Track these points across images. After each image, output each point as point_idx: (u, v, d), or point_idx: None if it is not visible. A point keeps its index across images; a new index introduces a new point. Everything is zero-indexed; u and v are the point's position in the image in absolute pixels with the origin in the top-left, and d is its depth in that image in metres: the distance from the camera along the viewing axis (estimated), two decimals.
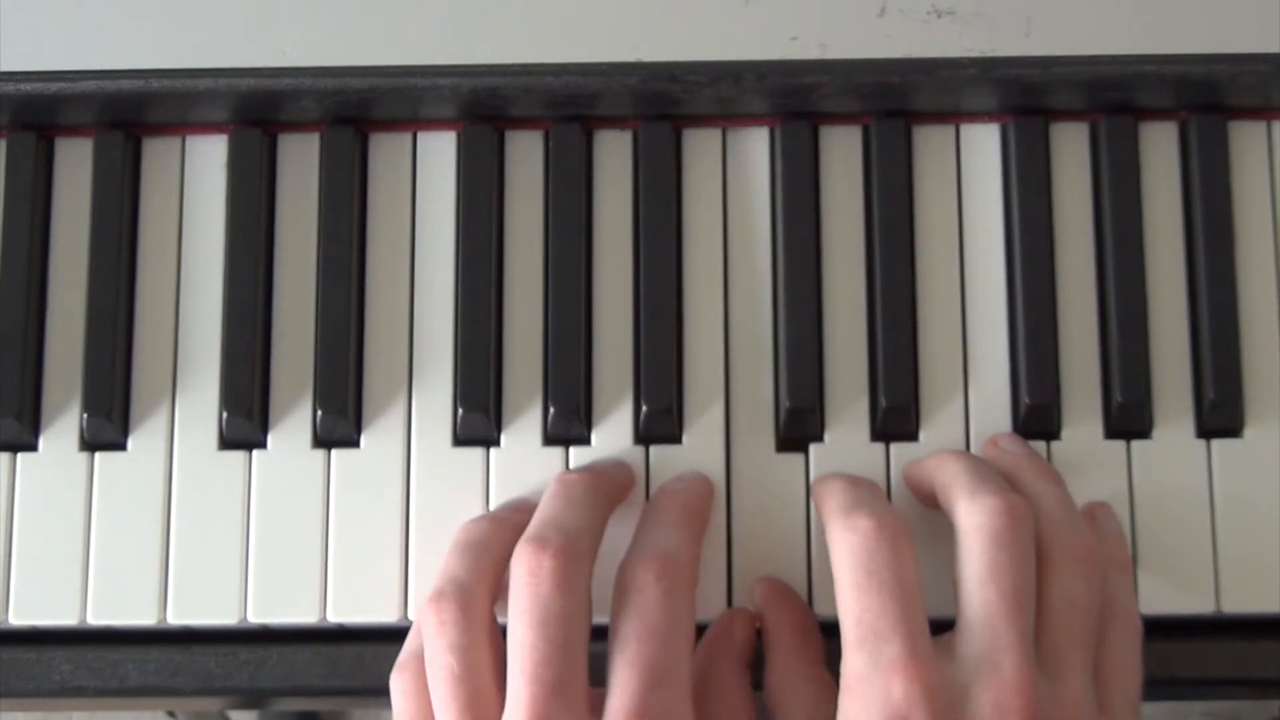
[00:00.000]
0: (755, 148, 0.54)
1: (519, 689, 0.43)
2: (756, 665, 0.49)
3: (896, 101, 0.53)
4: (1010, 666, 0.42)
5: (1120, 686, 0.45)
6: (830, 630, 0.49)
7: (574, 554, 0.45)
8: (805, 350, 0.52)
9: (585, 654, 0.44)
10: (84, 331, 0.52)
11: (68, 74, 0.51)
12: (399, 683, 0.47)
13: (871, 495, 0.47)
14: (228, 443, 0.52)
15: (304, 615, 0.51)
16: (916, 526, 0.46)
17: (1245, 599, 0.50)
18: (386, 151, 0.54)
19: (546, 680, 0.43)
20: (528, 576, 0.44)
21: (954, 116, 0.54)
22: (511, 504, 0.51)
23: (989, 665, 0.42)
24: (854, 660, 0.43)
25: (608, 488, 0.49)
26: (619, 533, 0.49)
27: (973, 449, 0.51)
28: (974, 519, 0.45)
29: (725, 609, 0.50)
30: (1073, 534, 0.46)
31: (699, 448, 0.52)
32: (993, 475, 0.47)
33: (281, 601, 0.51)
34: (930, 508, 0.49)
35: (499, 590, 0.47)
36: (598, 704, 0.44)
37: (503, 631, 0.46)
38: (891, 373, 0.51)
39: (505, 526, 0.48)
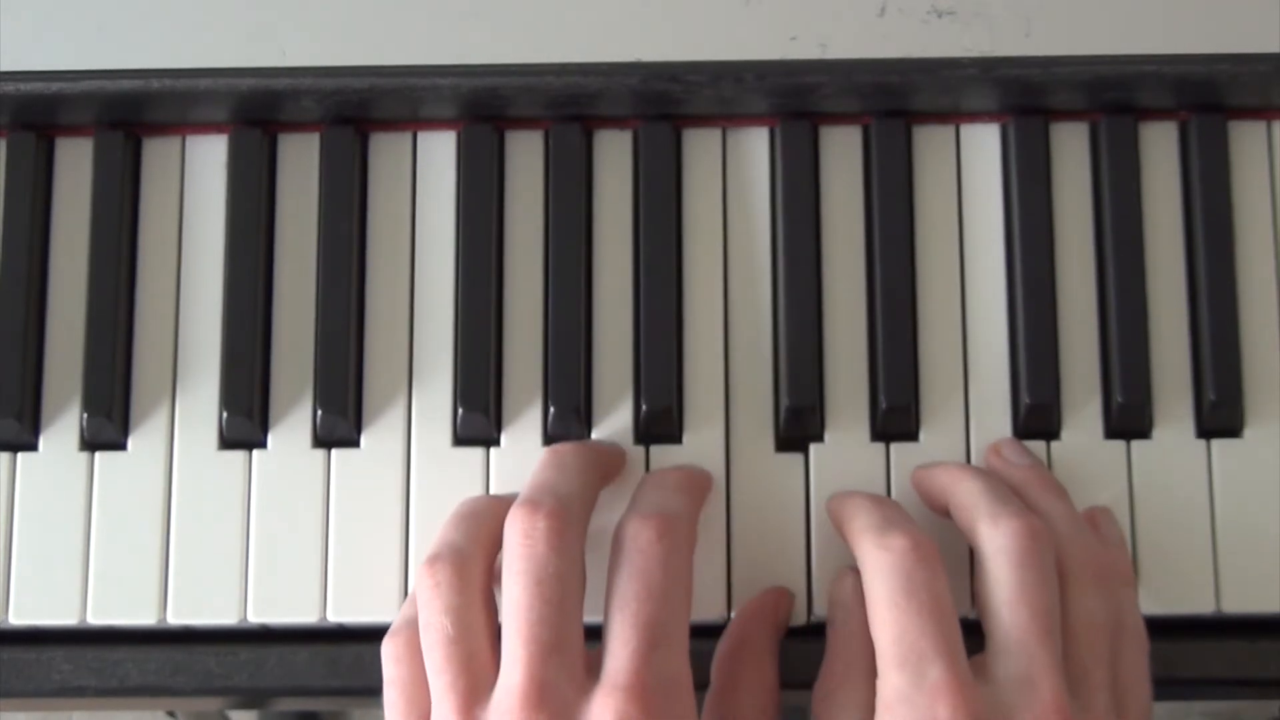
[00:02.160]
0: (755, 148, 0.54)
1: (515, 649, 0.43)
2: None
3: (896, 101, 0.53)
4: (1048, 687, 0.42)
5: (1134, 701, 0.45)
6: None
7: (567, 516, 0.45)
8: (805, 350, 0.52)
9: (581, 615, 0.44)
10: (84, 331, 0.52)
11: (68, 74, 0.51)
12: (391, 649, 0.47)
13: (900, 515, 0.46)
14: (228, 443, 0.52)
15: (304, 615, 0.51)
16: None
17: (1245, 599, 0.50)
18: (386, 151, 0.54)
19: (543, 640, 0.43)
20: (521, 538, 0.44)
21: (954, 116, 0.54)
22: (509, 494, 0.51)
23: (1027, 686, 0.42)
24: (894, 680, 0.42)
25: (599, 458, 0.49)
26: (615, 521, 0.48)
27: (973, 449, 0.51)
28: (997, 541, 0.45)
29: (724, 609, 0.50)
30: (1086, 551, 0.46)
31: (699, 448, 0.52)
32: (1010, 495, 0.47)
33: (281, 601, 0.51)
34: (936, 513, 0.49)
35: (495, 560, 0.47)
36: (593, 664, 0.44)
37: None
38: (891, 373, 0.51)
39: (504, 502, 0.48)
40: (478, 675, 0.44)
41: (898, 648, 0.42)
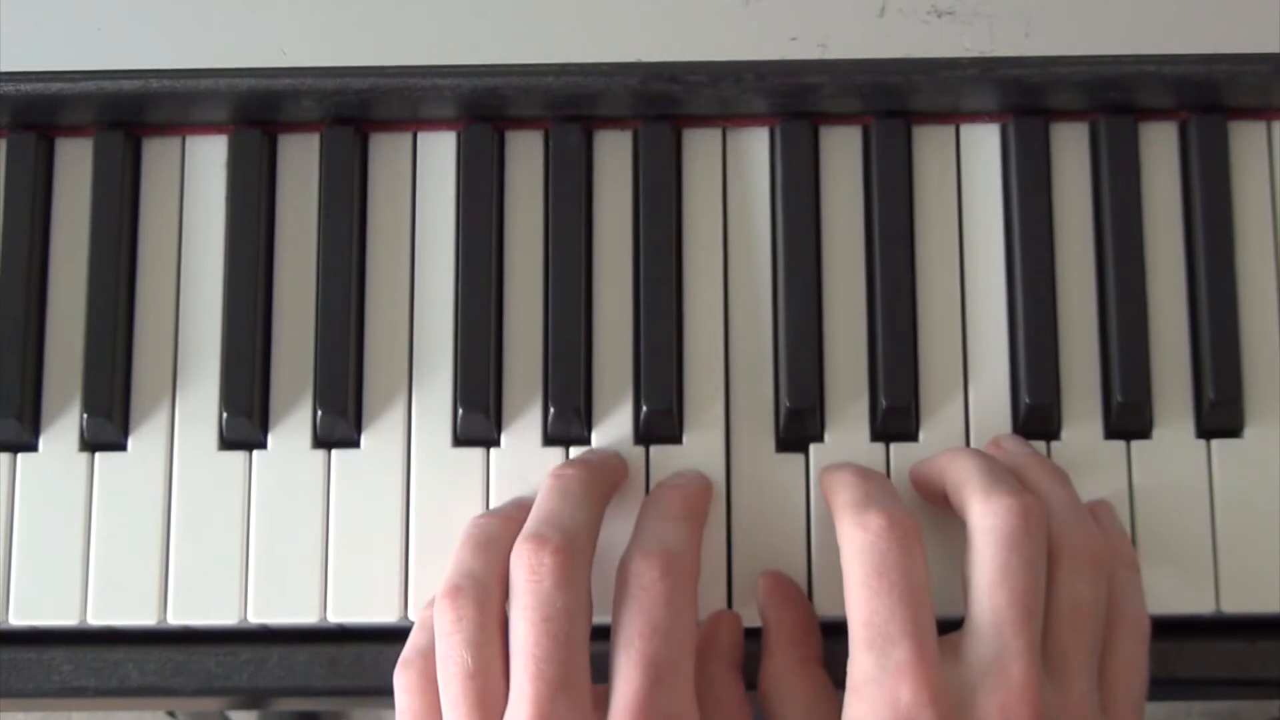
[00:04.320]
0: (755, 148, 0.54)
1: (522, 685, 0.43)
2: (750, 667, 0.49)
3: (896, 101, 0.53)
4: (1018, 672, 0.42)
5: (1125, 688, 0.45)
6: (832, 630, 0.49)
7: (573, 550, 0.45)
8: (805, 350, 0.52)
9: (587, 650, 0.45)
10: (84, 331, 0.52)
11: (68, 74, 0.51)
12: (404, 680, 0.47)
13: (883, 491, 0.46)
14: (228, 443, 0.52)
15: (304, 615, 0.51)
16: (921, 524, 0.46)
17: (1245, 599, 0.50)
18: (386, 151, 0.54)
19: (550, 677, 0.43)
20: (528, 574, 0.44)
21: (954, 116, 0.54)
22: (514, 502, 0.51)
23: (997, 670, 0.42)
24: (862, 661, 0.43)
25: (603, 479, 0.49)
26: (618, 529, 0.48)
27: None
28: (987, 519, 0.45)
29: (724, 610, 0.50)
30: (1082, 535, 0.46)
31: (699, 448, 0.52)
32: (1006, 474, 0.47)
33: (281, 601, 0.51)
34: (937, 506, 0.49)
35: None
36: (600, 699, 0.44)
37: None
38: (891, 373, 0.51)
39: (514, 524, 0.48)
40: (491, 710, 0.44)
41: (866, 630, 0.43)
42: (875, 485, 0.47)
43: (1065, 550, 0.45)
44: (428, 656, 0.46)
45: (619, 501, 0.50)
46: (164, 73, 0.51)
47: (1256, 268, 0.52)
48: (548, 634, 0.44)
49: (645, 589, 0.45)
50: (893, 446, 0.52)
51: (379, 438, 0.52)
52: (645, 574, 0.45)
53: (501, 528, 0.48)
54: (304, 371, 0.52)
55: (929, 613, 0.43)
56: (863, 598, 0.43)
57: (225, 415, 0.52)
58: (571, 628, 0.44)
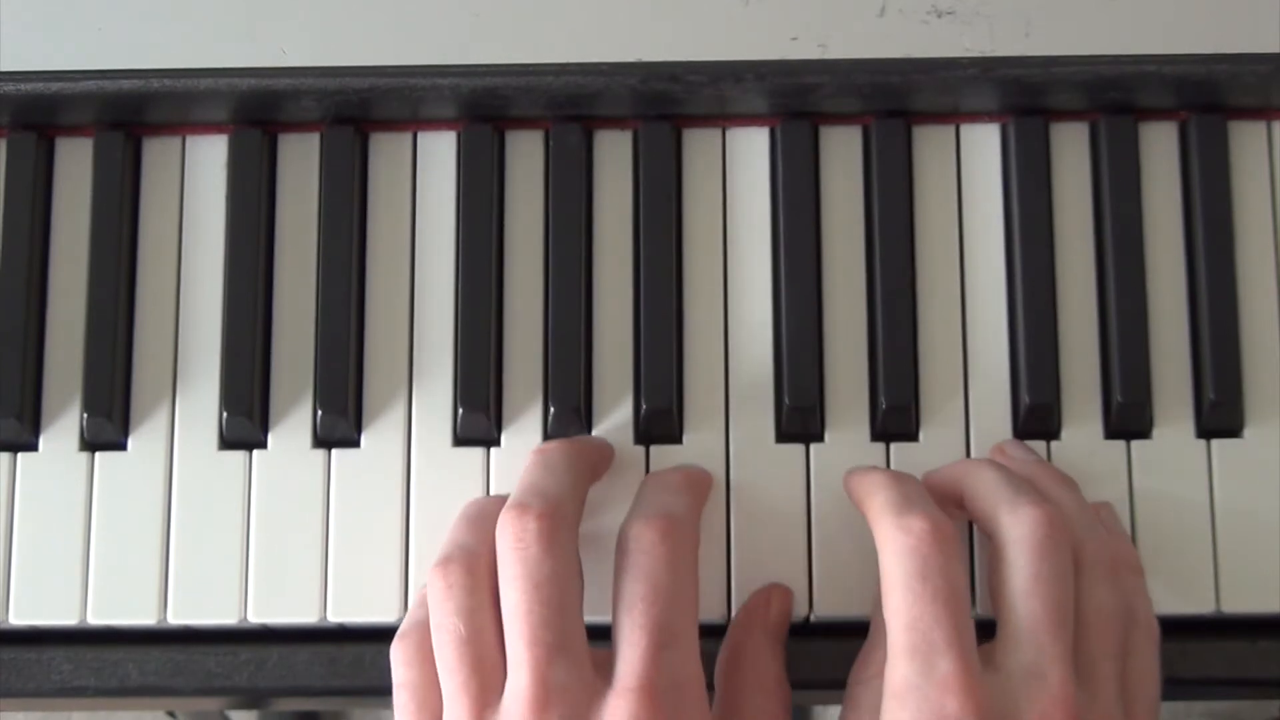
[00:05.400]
0: (755, 148, 0.54)
1: (520, 652, 0.43)
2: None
3: (896, 101, 0.53)
4: (1056, 680, 0.42)
5: (1142, 694, 0.45)
6: (834, 631, 0.49)
7: (558, 516, 0.45)
8: (805, 350, 0.52)
9: (581, 614, 0.44)
10: (84, 331, 0.52)
11: (68, 74, 0.51)
12: (400, 652, 0.47)
13: (920, 493, 0.46)
14: (228, 443, 0.52)
15: (304, 615, 0.51)
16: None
17: (1245, 599, 0.50)
18: (386, 151, 0.54)
19: (547, 642, 0.43)
20: (514, 541, 0.44)
21: (954, 116, 0.54)
22: None
23: (1036, 679, 0.42)
24: (903, 668, 0.42)
25: (586, 455, 0.49)
26: (616, 521, 0.48)
27: (973, 449, 0.51)
28: (1016, 530, 0.44)
29: (725, 611, 0.50)
30: (1097, 542, 0.46)
31: (699, 447, 0.52)
32: (1028, 485, 0.47)
33: (281, 601, 0.51)
34: (949, 515, 0.49)
35: None
36: (600, 663, 0.44)
37: None
38: (891, 373, 0.51)
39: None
40: (488, 676, 0.44)
41: (909, 635, 0.42)
42: (912, 487, 0.46)
43: (1085, 558, 0.45)
44: (424, 629, 0.46)
45: (616, 499, 0.50)
46: (164, 73, 0.51)
47: (1256, 268, 0.52)
48: (539, 600, 0.43)
49: (646, 552, 0.45)
50: (893, 446, 0.51)
51: (379, 437, 0.52)
52: (646, 536, 0.45)
53: (495, 505, 0.48)
54: (304, 371, 0.52)
55: (969, 620, 0.43)
56: (906, 602, 0.43)
57: (225, 415, 0.52)
58: (564, 593, 0.44)
